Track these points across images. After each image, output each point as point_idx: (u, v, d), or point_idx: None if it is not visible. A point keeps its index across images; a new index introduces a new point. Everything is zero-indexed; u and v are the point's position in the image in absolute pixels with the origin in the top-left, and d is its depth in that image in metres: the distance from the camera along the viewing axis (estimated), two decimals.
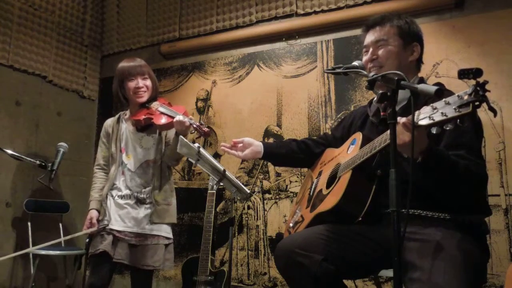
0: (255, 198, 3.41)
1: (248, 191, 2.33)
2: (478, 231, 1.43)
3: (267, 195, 3.38)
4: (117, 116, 2.45)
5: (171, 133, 2.32)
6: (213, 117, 3.73)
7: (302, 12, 3.41)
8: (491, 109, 1.04)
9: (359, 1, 3.18)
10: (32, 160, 2.58)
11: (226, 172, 2.21)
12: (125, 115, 2.43)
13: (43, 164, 2.55)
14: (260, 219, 3.37)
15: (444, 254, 1.29)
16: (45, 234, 3.53)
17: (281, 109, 3.43)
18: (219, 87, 3.74)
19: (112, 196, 2.29)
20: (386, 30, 1.63)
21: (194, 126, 2.18)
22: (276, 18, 3.53)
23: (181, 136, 2.14)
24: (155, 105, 2.32)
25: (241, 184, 2.31)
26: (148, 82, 2.33)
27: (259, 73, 3.56)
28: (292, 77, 3.42)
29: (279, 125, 3.42)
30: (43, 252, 3.12)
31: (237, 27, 3.68)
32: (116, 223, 2.22)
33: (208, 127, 2.25)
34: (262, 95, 3.52)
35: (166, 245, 2.28)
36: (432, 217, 1.41)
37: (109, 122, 2.45)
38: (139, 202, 2.26)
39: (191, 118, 2.20)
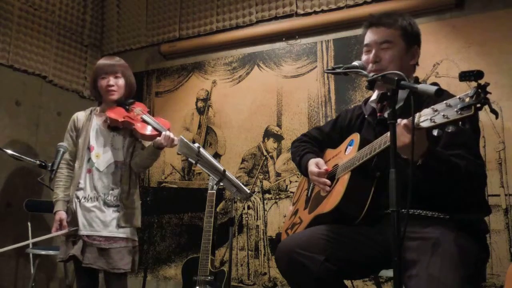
0: (255, 198, 3.41)
1: (248, 191, 2.34)
2: (478, 230, 1.44)
3: (267, 195, 3.38)
4: (88, 111, 2.40)
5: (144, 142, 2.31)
6: (213, 117, 3.73)
7: (302, 12, 3.41)
8: (493, 111, 1.04)
9: (359, 1, 3.18)
10: (32, 160, 2.58)
11: (226, 172, 2.21)
12: (97, 111, 2.38)
13: (43, 164, 2.55)
14: (260, 219, 3.37)
15: (442, 250, 1.30)
16: (45, 234, 3.52)
17: (281, 109, 3.43)
18: (219, 87, 3.74)
19: (78, 198, 2.23)
20: (392, 31, 1.57)
21: None
22: (276, 18, 3.53)
23: (181, 136, 2.14)
24: (138, 111, 2.29)
25: (241, 184, 2.32)
26: (121, 82, 2.30)
27: (259, 73, 3.56)
28: (292, 77, 3.42)
29: (279, 125, 3.42)
30: (43, 252, 3.12)
31: (237, 27, 3.68)
32: (84, 228, 2.19)
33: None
34: (262, 95, 3.52)
35: (133, 247, 2.26)
36: (432, 216, 1.42)
37: (79, 116, 2.38)
38: (107, 205, 2.22)
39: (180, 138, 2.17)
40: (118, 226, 2.20)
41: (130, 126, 2.24)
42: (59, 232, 2.20)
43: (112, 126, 2.30)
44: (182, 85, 3.94)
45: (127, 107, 2.30)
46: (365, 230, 1.50)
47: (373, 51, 1.58)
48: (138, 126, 2.23)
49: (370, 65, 1.57)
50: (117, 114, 2.26)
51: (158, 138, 2.19)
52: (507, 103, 2.64)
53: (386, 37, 1.57)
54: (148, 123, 2.25)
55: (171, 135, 2.18)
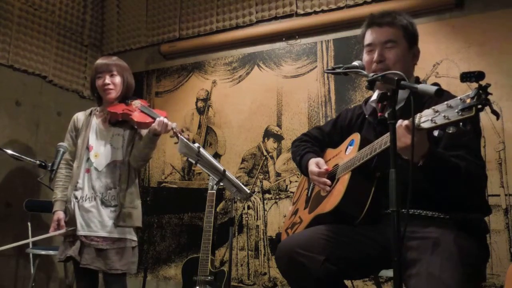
0: (255, 198, 3.41)
1: (248, 191, 2.34)
2: (478, 230, 1.44)
3: (267, 195, 3.38)
4: (88, 111, 2.40)
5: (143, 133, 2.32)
6: (213, 117, 3.73)
7: (302, 12, 3.41)
8: (494, 112, 1.04)
9: (359, 1, 3.18)
10: (32, 160, 2.59)
11: (226, 172, 2.21)
12: (97, 111, 2.39)
13: (43, 164, 2.55)
14: (260, 219, 3.37)
15: (442, 250, 1.30)
16: (45, 234, 3.53)
17: (281, 109, 3.43)
18: (219, 87, 3.75)
19: (76, 198, 2.22)
20: (395, 31, 1.55)
21: (175, 130, 2.19)
22: (276, 18, 3.53)
23: (181, 136, 2.14)
24: (136, 103, 2.32)
25: (241, 184, 2.32)
26: (117, 80, 2.30)
27: (259, 73, 3.56)
28: (292, 77, 3.42)
29: (279, 125, 3.42)
30: (43, 252, 3.12)
31: (237, 27, 3.68)
32: (82, 229, 2.17)
33: (185, 129, 2.26)
34: (262, 95, 3.52)
35: (133, 248, 2.24)
36: (432, 216, 1.42)
37: (80, 116, 2.39)
38: (104, 204, 2.21)
39: (176, 126, 2.22)
40: (116, 226, 2.19)
41: (128, 117, 2.27)
42: (57, 232, 2.20)
43: (113, 121, 2.31)
44: (182, 85, 3.94)
45: (127, 101, 2.33)
46: (365, 230, 1.50)
47: (377, 51, 1.56)
48: (135, 115, 2.26)
49: (374, 64, 1.55)
50: (117, 108, 2.29)
51: (153, 124, 2.21)
52: (507, 103, 2.65)
53: (390, 36, 1.55)
54: (144, 113, 2.28)
55: (165, 120, 2.19)
